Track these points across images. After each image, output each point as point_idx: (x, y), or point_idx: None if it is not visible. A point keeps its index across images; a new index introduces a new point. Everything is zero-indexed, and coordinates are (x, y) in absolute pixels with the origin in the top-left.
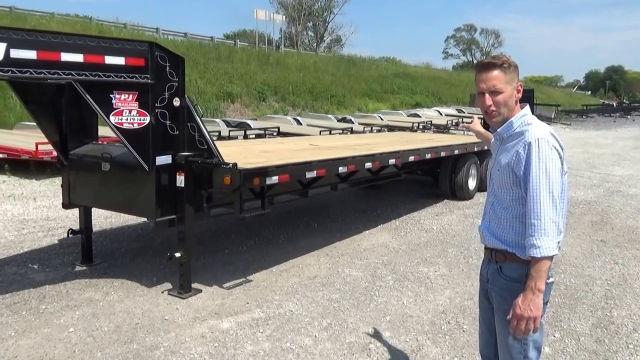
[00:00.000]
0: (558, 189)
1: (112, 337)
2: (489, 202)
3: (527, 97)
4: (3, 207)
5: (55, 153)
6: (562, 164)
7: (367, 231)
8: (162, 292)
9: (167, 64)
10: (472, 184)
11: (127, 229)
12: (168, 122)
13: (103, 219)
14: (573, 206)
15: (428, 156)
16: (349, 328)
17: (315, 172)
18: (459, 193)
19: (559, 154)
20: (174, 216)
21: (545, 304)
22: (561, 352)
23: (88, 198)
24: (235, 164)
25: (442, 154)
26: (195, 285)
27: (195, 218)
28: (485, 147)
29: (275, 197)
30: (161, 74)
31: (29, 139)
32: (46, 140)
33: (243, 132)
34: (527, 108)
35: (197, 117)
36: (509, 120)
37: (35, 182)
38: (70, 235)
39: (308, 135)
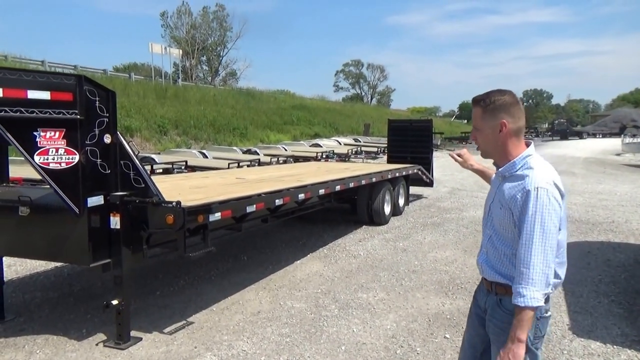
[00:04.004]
0: (552, 240)
1: None
2: (486, 235)
3: (427, 127)
4: None
5: None
6: (560, 213)
7: (298, 261)
8: (97, 345)
9: (97, 99)
10: (387, 209)
11: (37, 276)
12: (99, 160)
13: (6, 267)
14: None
15: (351, 185)
16: None
17: (255, 206)
18: (376, 219)
19: (559, 203)
20: (108, 260)
21: (542, 337)
22: None
23: (1, 246)
24: (179, 202)
25: (363, 182)
26: (133, 333)
27: (133, 261)
28: (397, 175)
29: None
30: (91, 109)
31: None
32: None
33: (150, 166)
34: (532, 148)
35: (131, 154)
36: (512, 161)
37: None
38: None
39: (217, 168)
